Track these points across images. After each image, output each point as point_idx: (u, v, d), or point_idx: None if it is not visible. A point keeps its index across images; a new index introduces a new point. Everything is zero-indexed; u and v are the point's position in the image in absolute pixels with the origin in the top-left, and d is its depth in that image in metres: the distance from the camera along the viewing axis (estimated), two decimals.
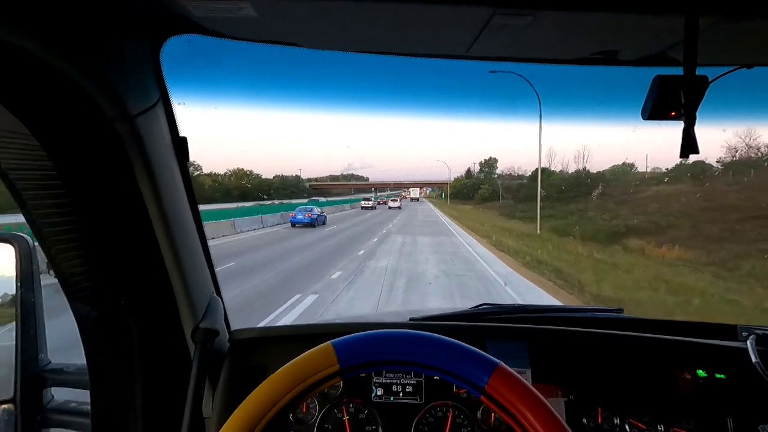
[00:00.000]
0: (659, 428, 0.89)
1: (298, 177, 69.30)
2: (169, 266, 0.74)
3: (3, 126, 0.55)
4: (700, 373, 0.92)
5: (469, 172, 62.53)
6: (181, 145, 0.76)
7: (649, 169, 29.11)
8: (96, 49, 0.56)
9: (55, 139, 0.57)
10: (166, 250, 0.73)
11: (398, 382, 0.94)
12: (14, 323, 0.79)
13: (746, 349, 0.92)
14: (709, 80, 0.68)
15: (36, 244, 0.77)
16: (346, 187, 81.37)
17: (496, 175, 53.23)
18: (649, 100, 0.70)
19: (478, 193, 47.47)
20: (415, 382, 0.94)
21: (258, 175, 57.68)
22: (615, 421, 0.90)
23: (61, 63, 0.53)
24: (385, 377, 0.95)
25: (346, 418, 0.91)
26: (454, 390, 0.93)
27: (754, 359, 0.89)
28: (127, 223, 0.70)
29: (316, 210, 23.09)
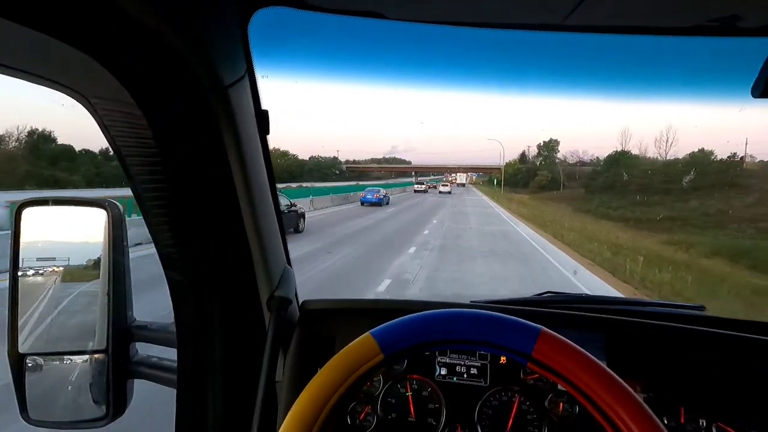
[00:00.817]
0: None
1: (335, 159, 66.33)
2: (250, 237, 0.77)
3: (107, 95, 0.58)
4: None
5: (524, 156, 56.87)
6: (263, 119, 0.77)
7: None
8: (192, 17, 0.57)
9: (155, 109, 0.60)
10: (249, 221, 0.76)
11: (463, 363, 0.93)
12: (99, 282, 0.85)
13: None
14: None
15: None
16: (386, 170, 79.77)
17: (558, 160, 47.84)
18: (764, 75, 0.63)
19: (534, 180, 42.97)
20: (480, 364, 0.93)
21: (294, 155, 55.32)
22: (701, 423, 0.85)
23: (163, 28, 0.54)
24: (449, 357, 0.94)
25: (409, 393, 0.92)
26: (521, 376, 0.91)
27: None
28: (215, 195, 0.73)
29: (383, 191, 27.49)
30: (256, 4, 0.66)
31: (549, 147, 50.17)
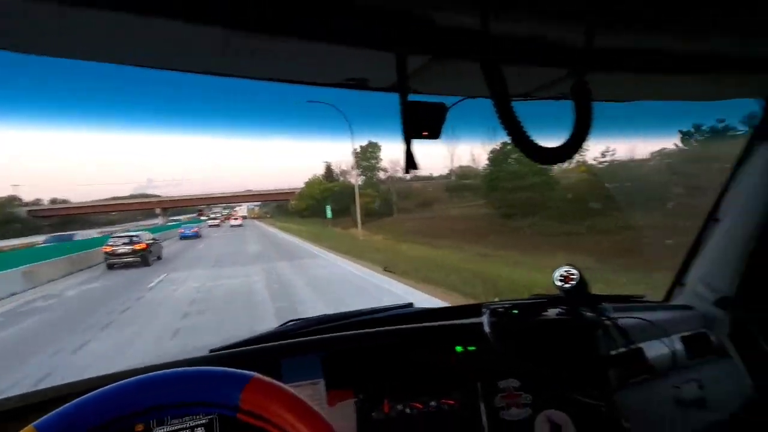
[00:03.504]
0: (432, 404, 1.02)
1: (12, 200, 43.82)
2: None
3: None
4: (458, 348, 1.08)
5: (329, 171, 40.62)
6: None
7: None
8: None
9: None
10: None
11: (185, 426, 0.85)
12: None
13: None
14: (447, 106, 0.81)
15: None
16: (111, 210, 52.72)
17: (380, 173, 34.54)
18: (406, 122, 0.80)
19: (352, 205, 27.07)
20: (206, 421, 0.85)
21: None
22: (398, 408, 1.01)
23: None
24: (169, 425, 0.83)
25: None
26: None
27: (487, 330, 1.09)
28: None
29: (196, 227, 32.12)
30: None
31: (367, 154, 35.02)
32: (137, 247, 14.84)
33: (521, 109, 0.69)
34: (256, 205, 60.39)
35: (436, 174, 35.91)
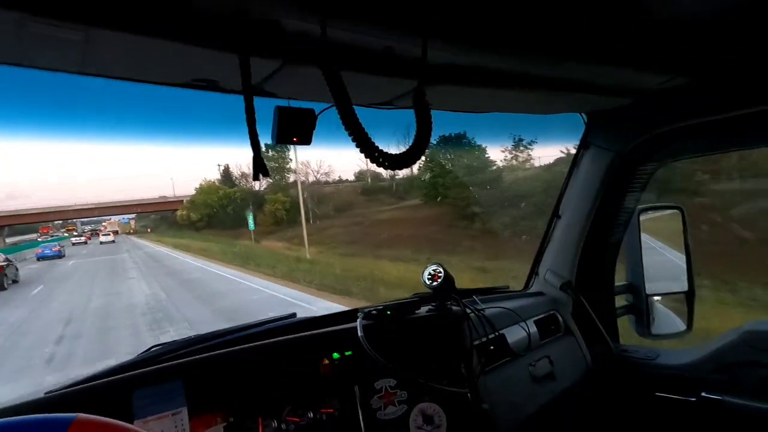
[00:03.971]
0: (309, 416, 1.02)
1: None
2: None
3: None
4: (335, 355, 1.08)
5: (227, 173, 34.37)
6: None
7: None
8: None
9: None
10: None
11: None
12: None
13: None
14: (316, 113, 0.85)
15: None
16: None
17: (298, 173, 28.04)
18: (275, 127, 0.82)
19: (264, 209, 27.16)
20: None
21: None
22: (274, 425, 0.98)
23: None
24: None
25: None
26: None
27: (359, 333, 1.10)
28: None
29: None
30: None
31: (273, 154, 28.69)
32: None
33: (372, 116, 0.73)
34: (131, 218, 48.81)
35: (344, 177, 35.09)
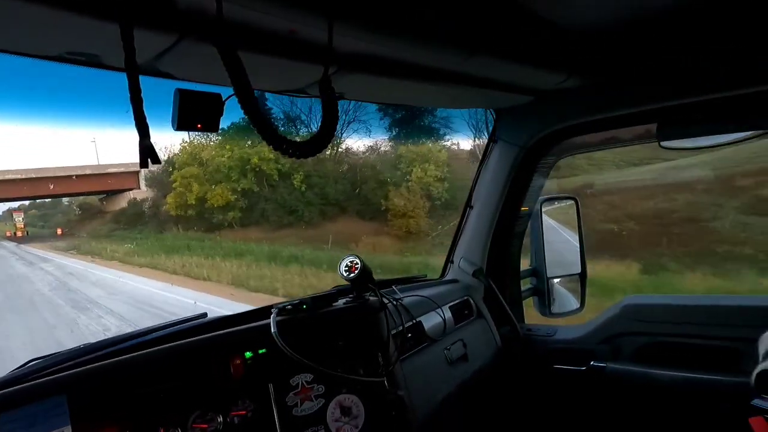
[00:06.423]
0: (219, 420, 0.97)
1: None
2: None
3: None
4: (248, 354, 1.04)
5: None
6: None
7: None
8: None
9: None
10: None
11: None
12: None
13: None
14: (223, 98, 0.80)
15: None
16: None
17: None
18: (175, 112, 0.76)
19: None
20: None
21: None
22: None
23: None
24: None
25: None
26: None
27: (273, 330, 1.03)
28: None
29: None
30: None
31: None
32: None
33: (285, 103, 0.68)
34: (14, 209, 27.24)
35: None
